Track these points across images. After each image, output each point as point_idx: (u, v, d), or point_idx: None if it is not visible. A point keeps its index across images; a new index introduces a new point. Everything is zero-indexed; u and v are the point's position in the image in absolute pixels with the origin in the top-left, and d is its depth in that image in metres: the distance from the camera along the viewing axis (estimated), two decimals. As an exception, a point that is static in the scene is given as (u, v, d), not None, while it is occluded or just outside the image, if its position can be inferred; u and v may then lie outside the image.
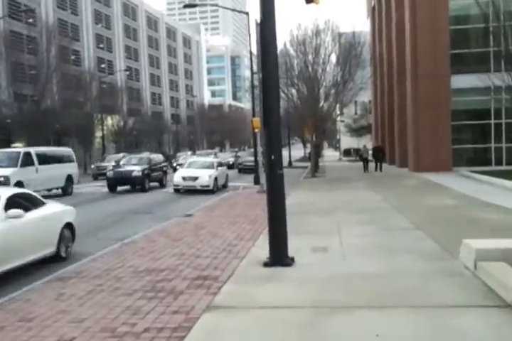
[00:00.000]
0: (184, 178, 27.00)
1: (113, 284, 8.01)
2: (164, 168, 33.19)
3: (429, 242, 10.42)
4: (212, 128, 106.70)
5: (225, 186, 29.18)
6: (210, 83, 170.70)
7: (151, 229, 13.67)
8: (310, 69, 35.49)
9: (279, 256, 8.76)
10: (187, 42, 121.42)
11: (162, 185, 31.24)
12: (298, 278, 7.99)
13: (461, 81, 30.91)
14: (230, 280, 8.02)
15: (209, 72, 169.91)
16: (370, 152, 40.34)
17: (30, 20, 57.34)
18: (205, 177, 26.64)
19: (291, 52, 36.68)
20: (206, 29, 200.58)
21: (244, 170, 44.89)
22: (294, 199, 20.53)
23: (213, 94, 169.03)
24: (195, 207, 19.32)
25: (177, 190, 27.23)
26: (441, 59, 31.23)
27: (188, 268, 8.85)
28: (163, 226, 14.33)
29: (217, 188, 27.10)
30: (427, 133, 31.15)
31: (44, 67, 48.53)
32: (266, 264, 8.77)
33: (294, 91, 37.61)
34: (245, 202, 20.53)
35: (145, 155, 36.31)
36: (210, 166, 28.35)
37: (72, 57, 70.60)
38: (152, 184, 29.84)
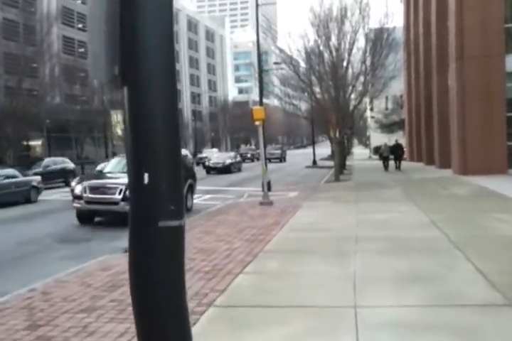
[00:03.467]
0: None
1: None
2: None
3: None
4: (235, 126, 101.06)
5: None
6: (238, 80, 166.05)
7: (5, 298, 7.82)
8: (334, 53, 29.70)
9: None
10: (210, 35, 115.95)
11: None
12: None
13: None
14: None
15: (237, 68, 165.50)
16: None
17: (32, 9, 52.67)
18: None
19: (311, 31, 30.79)
20: (235, 26, 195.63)
21: None
22: (300, 217, 14.96)
23: (241, 91, 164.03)
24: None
25: None
26: (493, 35, 25.06)
27: None
28: (46, 283, 8.50)
29: None
30: (476, 127, 25.00)
31: (42, 59, 43.96)
32: None
33: (314, 79, 31.75)
34: (234, 220, 14.98)
35: None
36: None
37: (81, 49, 66.38)
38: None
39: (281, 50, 33.36)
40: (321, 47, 30.05)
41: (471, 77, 25.45)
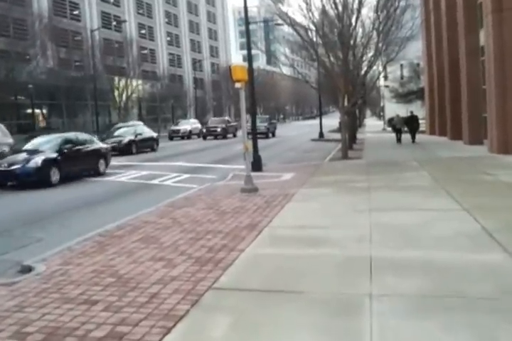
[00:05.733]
0: None
1: None
2: None
3: None
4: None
5: None
6: (243, 47, 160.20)
7: None
8: (340, 8, 24.72)
9: None
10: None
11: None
12: None
13: None
14: None
15: (242, 35, 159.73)
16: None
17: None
18: None
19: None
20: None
21: None
22: (289, 215, 10.62)
23: (245, 58, 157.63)
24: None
25: None
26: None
27: None
28: None
29: None
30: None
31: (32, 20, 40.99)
32: None
33: (319, 39, 26.77)
34: (197, 218, 10.57)
35: None
36: None
37: (76, 12, 62.19)
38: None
39: (275, 5, 28.46)
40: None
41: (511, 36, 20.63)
